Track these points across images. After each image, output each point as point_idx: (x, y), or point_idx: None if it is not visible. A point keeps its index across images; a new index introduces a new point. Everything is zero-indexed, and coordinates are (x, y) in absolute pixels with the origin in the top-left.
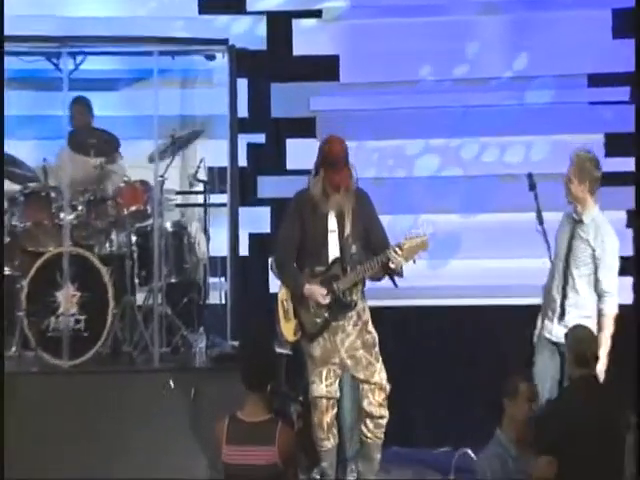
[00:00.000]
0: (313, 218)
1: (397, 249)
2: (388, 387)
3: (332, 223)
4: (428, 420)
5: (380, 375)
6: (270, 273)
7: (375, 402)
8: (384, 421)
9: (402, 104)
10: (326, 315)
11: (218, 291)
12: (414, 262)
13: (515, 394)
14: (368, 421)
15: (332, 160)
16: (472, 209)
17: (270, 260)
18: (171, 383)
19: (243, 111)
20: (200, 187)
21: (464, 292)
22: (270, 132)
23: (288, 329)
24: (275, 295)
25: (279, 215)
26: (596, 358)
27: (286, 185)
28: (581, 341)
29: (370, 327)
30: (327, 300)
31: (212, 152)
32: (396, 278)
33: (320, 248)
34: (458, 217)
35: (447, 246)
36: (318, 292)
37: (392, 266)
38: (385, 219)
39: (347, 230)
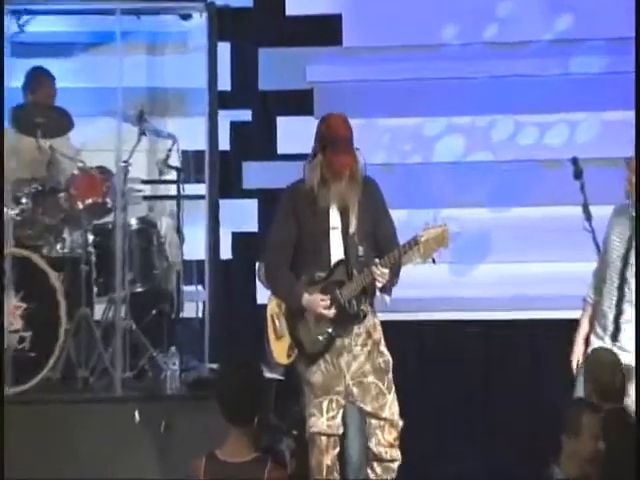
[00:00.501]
0: (311, 213)
1: (413, 244)
2: (400, 423)
3: (334, 219)
4: (447, 460)
5: (392, 409)
6: (258, 281)
7: (385, 442)
8: (395, 465)
9: (419, 74)
10: (329, 331)
11: (194, 302)
12: (434, 262)
13: (578, 430)
14: (376, 465)
15: (332, 138)
16: (505, 202)
17: (258, 265)
18: (136, 415)
19: (225, 83)
20: (172, 175)
21: (495, 304)
22: (258, 108)
23: (280, 349)
24: (264, 307)
25: (269, 210)
26: (623, 389)
27: (277, 173)
28: (603, 368)
29: (383, 347)
30: (332, 312)
31: (187, 132)
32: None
33: (320, 249)
34: (487, 212)
35: (474, 247)
36: (319, 302)
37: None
38: (397, 214)
39: (352, 227)
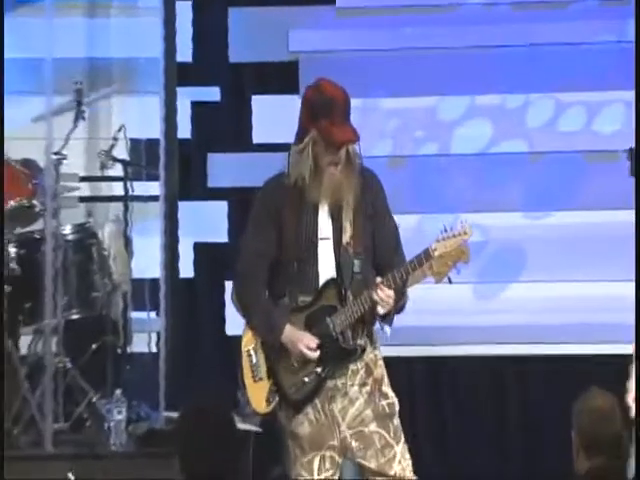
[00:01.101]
0: (295, 217)
1: (424, 260)
2: None
3: (324, 225)
4: None
5: (402, 463)
6: (231, 304)
7: None
8: None
9: (433, 41)
10: (318, 371)
11: (146, 333)
12: (450, 282)
13: None
14: None
15: (328, 103)
16: (542, 205)
17: (229, 285)
18: (70, 477)
19: (185, 53)
20: (118, 170)
21: (531, 334)
22: (228, 85)
23: (257, 394)
24: (236, 339)
25: (242, 214)
26: (618, 443)
27: (252, 168)
28: (594, 417)
29: (386, 387)
30: (316, 354)
31: (137, 116)
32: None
33: (305, 265)
34: (521, 217)
35: (504, 263)
36: (303, 342)
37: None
38: (405, 220)
39: (346, 235)
